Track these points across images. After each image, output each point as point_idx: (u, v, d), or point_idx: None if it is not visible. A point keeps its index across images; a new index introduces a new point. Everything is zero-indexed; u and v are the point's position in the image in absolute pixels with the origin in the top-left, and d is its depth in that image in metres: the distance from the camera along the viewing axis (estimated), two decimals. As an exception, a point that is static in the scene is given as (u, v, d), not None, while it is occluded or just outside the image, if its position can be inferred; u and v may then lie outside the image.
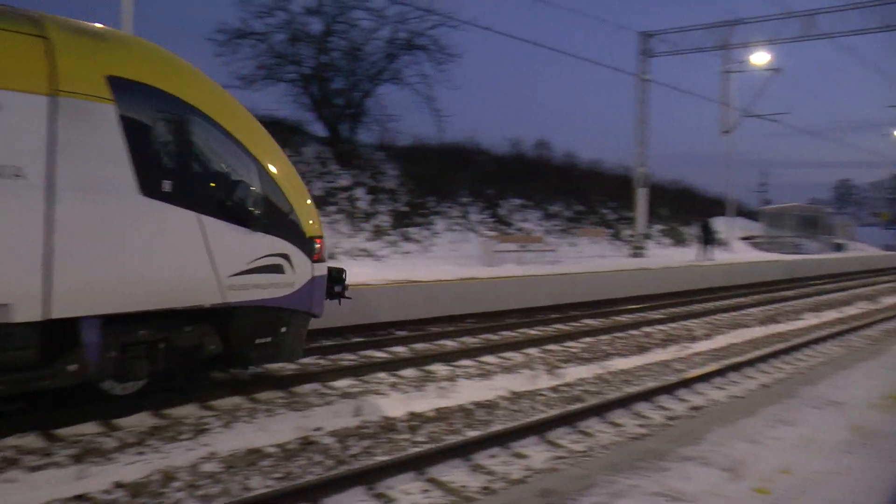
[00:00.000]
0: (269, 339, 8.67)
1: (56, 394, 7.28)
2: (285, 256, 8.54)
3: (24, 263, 6.45)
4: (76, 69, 6.83)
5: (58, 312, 6.70)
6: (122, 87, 7.16)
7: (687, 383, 9.95)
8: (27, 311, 6.46)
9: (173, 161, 7.86)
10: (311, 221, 8.83)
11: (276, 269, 8.45)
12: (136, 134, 7.26)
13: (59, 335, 6.87)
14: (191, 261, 7.76)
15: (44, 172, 6.50)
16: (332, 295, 9.62)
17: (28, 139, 6.43)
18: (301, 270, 8.67)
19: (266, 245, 8.33)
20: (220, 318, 8.21)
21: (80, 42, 7.08)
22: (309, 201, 9.01)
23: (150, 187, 7.29)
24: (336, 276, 9.66)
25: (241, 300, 8.19)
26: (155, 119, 7.61)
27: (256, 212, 8.22)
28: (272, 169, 8.51)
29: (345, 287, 9.82)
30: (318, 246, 8.90)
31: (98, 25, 7.68)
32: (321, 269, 8.99)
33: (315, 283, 8.89)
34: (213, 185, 8.07)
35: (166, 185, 7.52)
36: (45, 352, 6.82)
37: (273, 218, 8.44)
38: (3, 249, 6.30)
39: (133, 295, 7.33)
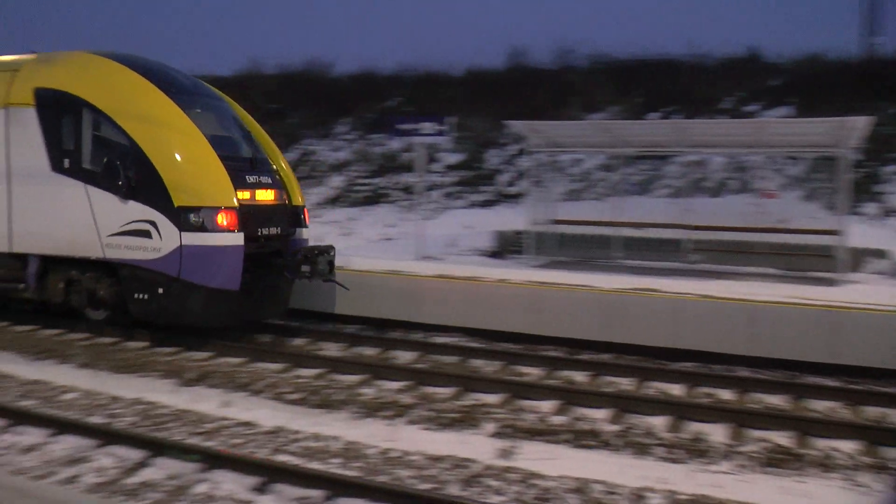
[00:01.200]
0: (146, 297, 10.49)
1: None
2: (152, 224, 10.18)
3: (17, 218, 11.26)
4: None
5: (17, 249, 11.33)
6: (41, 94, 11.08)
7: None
8: (23, 248, 11.34)
9: (71, 144, 10.89)
10: (191, 192, 10.09)
11: (144, 233, 10.24)
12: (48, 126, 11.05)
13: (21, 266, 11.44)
14: (81, 220, 10.67)
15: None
16: (298, 274, 11.11)
17: None
18: (168, 238, 10.09)
19: (135, 212, 10.26)
20: (106, 270, 10.85)
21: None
22: (204, 175, 10.31)
23: (55, 165, 10.90)
24: (306, 255, 11.05)
25: (117, 257, 10.54)
26: (60, 114, 10.99)
27: (127, 184, 10.22)
28: (149, 150, 10.24)
29: (322, 268, 11.15)
30: (196, 213, 10.02)
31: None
32: (208, 238, 10.06)
33: (187, 249, 10.05)
34: (96, 162, 10.61)
35: (66, 163, 10.84)
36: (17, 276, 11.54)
37: (142, 190, 10.22)
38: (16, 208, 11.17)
39: (49, 242, 11.10)
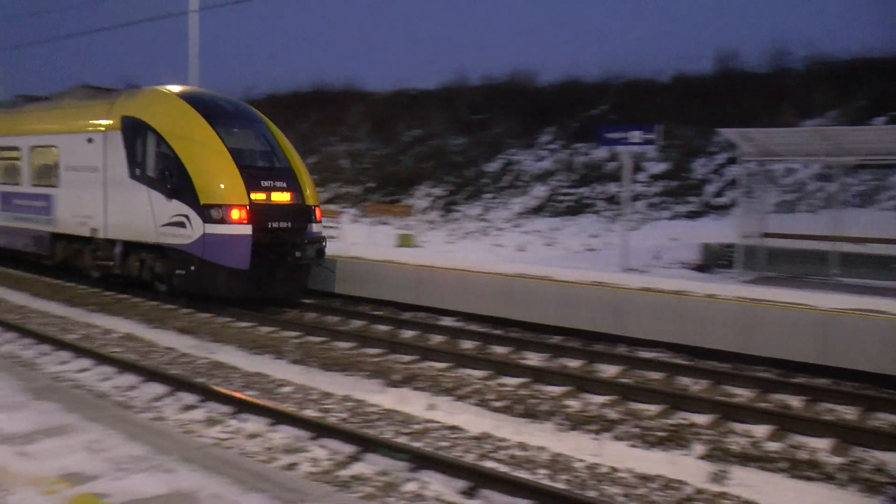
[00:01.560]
0: (183, 273, 13.80)
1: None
2: (186, 217, 13.47)
3: (100, 211, 15.15)
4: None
5: (109, 236, 15.04)
6: (124, 121, 14.70)
7: None
8: (105, 234, 15.05)
9: (146, 157, 14.36)
10: (211, 193, 13.28)
11: (181, 224, 13.55)
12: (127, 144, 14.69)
13: (108, 251, 15.28)
14: (144, 214, 14.15)
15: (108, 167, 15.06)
16: (294, 259, 13.84)
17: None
18: (196, 228, 13.32)
19: (176, 208, 13.63)
20: (160, 252, 14.28)
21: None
22: (223, 180, 13.41)
23: (131, 173, 14.55)
24: (298, 244, 13.90)
25: (165, 242, 13.94)
26: (138, 137, 14.52)
27: (172, 187, 13.61)
28: (186, 162, 13.62)
29: (310, 254, 14.09)
30: (216, 209, 13.15)
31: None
32: (223, 229, 13.14)
33: (208, 237, 13.19)
34: (155, 171, 14.10)
35: (136, 172, 14.47)
36: (106, 258, 15.46)
37: (181, 192, 13.56)
38: (94, 204, 15.25)
39: (127, 231, 14.75)
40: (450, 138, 26.75)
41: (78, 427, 5.39)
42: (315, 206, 14.87)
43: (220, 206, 13.18)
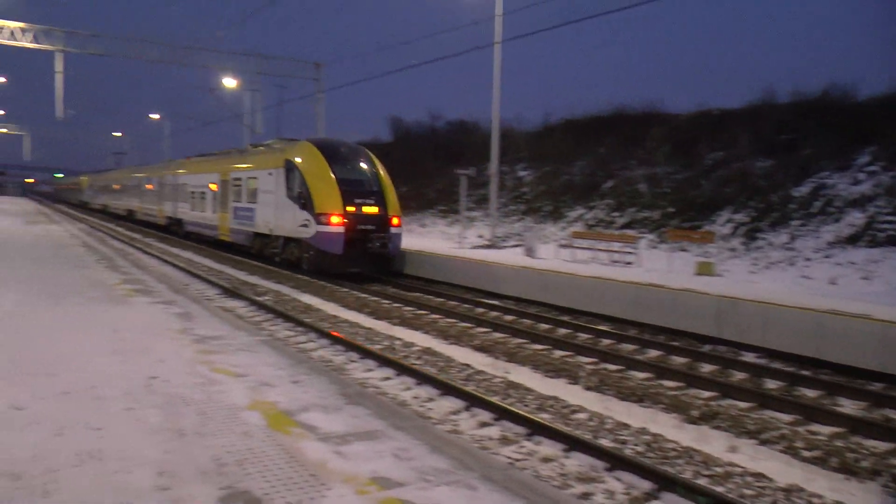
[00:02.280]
0: (307, 255, 21.87)
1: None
2: (308, 220, 21.38)
3: (271, 218, 23.89)
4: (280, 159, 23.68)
5: (275, 233, 23.76)
6: (285, 162, 22.84)
7: None
8: (274, 232, 23.76)
9: (292, 185, 22.44)
10: (322, 207, 21.00)
11: (306, 225, 21.39)
12: (285, 177, 22.89)
13: (276, 242, 24.07)
14: (289, 219, 22.36)
15: (276, 191, 23.54)
16: (369, 248, 21.59)
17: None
18: (313, 226, 21.13)
19: (304, 215, 21.50)
20: (295, 242, 22.51)
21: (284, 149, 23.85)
22: (329, 198, 21.21)
23: (287, 195, 22.63)
24: (376, 238, 21.57)
25: (299, 236, 21.92)
26: (288, 172, 22.62)
27: (303, 203, 21.52)
28: (312, 188, 21.49)
29: (372, 246, 21.54)
30: (324, 216, 20.89)
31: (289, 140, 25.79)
32: (326, 229, 20.87)
33: (318, 233, 21.04)
34: (297, 193, 22.06)
35: (288, 193, 22.65)
36: (272, 246, 24.29)
37: (306, 206, 21.49)
38: (270, 214, 23.96)
39: (284, 230, 22.95)
40: (754, 160, 25.25)
41: (386, 433, 5.69)
42: (393, 216, 22.25)
43: (325, 214, 21.10)
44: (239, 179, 27.54)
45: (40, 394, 6.30)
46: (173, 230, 38.11)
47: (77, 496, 4.35)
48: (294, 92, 72.83)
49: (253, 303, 16.71)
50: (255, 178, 25.75)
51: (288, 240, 23.27)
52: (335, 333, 13.30)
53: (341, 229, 20.94)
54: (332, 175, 21.70)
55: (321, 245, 21.12)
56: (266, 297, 17.99)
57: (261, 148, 27.71)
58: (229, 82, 42.76)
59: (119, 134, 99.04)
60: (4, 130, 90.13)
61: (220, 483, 4.58)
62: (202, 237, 32.90)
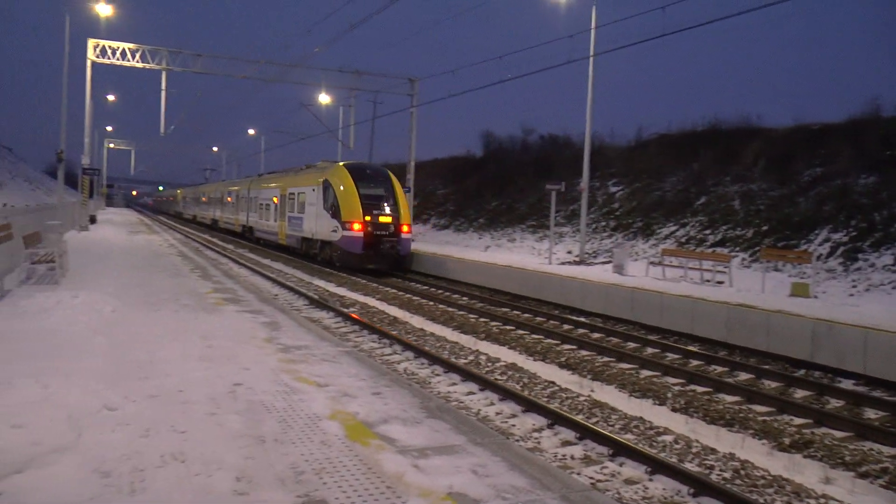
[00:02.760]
0: (336, 254, 28.40)
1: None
2: (337, 227, 27.89)
3: (313, 225, 30.80)
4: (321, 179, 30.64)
5: (316, 238, 30.65)
6: (323, 181, 29.80)
7: None
8: (315, 236, 30.65)
9: (327, 199, 29.09)
10: (347, 216, 27.23)
11: (335, 231, 28.02)
12: (323, 193, 29.76)
13: (316, 245, 30.91)
14: (325, 226, 29.12)
15: (317, 203, 30.48)
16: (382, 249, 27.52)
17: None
18: (340, 232, 27.52)
19: (334, 223, 28.13)
20: (328, 244, 29.02)
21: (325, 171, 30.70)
22: (352, 210, 27.42)
23: (323, 207, 29.47)
24: (388, 241, 27.47)
25: (330, 239, 28.56)
26: (325, 189, 29.42)
27: (334, 213, 28.25)
28: (341, 201, 27.99)
29: (383, 248, 27.31)
30: (348, 224, 27.10)
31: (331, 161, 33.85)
32: (349, 233, 27.01)
33: (343, 237, 27.29)
34: (330, 205, 28.70)
35: (324, 206, 29.37)
36: (314, 248, 31.12)
37: (336, 215, 28.13)
38: (313, 222, 30.70)
39: (321, 235, 29.71)
40: (856, 177, 24.24)
41: (465, 449, 5.64)
42: (404, 224, 28.07)
43: (349, 221, 27.20)
44: (293, 194, 34.22)
45: (132, 396, 6.51)
46: (247, 236, 45.54)
47: (160, 496, 4.47)
48: (388, 107, 73.94)
49: (339, 314, 16.94)
50: (303, 193, 32.54)
51: (324, 242, 29.58)
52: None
53: (360, 234, 27.08)
54: (357, 191, 27.87)
55: (345, 246, 27.47)
56: (352, 309, 18.22)
57: (310, 169, 34.74)
58: (324, 98, 43.74)
59: (216, 149, 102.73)
60: (112, 145, 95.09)
61: (297, 491, 4.62)
62: (267, 242, 39.92)
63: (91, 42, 36.11)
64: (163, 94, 38.89)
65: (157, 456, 5.11)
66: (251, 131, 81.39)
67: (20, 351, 8.02)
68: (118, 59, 36.28)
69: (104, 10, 34.60)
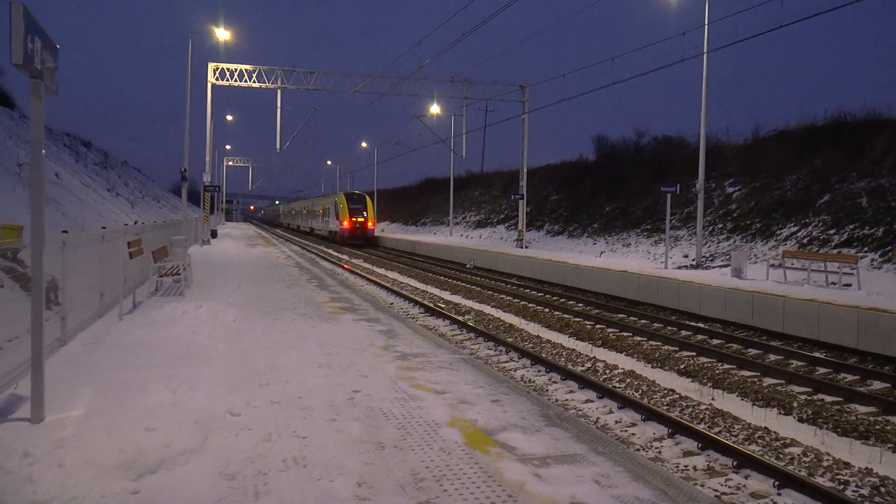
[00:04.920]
0: (338, 236, 60.31)
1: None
2: (338, 223, 60.04)
3: (330, 223, 65.63)
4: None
5: (330, 229, 67.03)
6: (334, 202, 62.91)
7: None
8: (331, 228, 64.72)
9: (335, 209, 62.01)
10: (342, 218, 58.71)
11: (336, 224, 61.20)
12: (334, 207, 63.60)
13: (331, 233, 65.39)
14: (334, 223, 62.44)
15: (331, 212, 64.61)
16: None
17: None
18: (337, 225, 60.17)
19: (337, 222, 60.72)
20: (335, 232, 62.21)
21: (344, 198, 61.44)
22: (344, 215, 58.70)
23: (334, 214, 62.63)
24: (361, 230, 58.43)
25: (335, 230, 62.09)
26: (335, 206, 62.55)
27: (334, 218, 62.35)
28: (339, 211, 59.39)
29: (359, 234, 58.30)
30: (342, 221, 58.28)
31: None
32: (343, 227, 57.96)
33: (341, 228, 58.72)
34: (335, 212, 61.62)
35: (334, 213, 62.16)
36: (332, 234, 64.49)
37: (334, 218, 62.78)
38: (331, 221, 64.84)
39: (332, 227, 64.53)
40: None
41: (586, 458, 5.51)
42: (369, 221, 57.43)
43: (342, 220, 56.91)
44: (327, 208, 65.48)
45: (254, 402, 6.69)
46: (310, 235, 77.62)
47: (283, 500, 4.55)
48: (499, 115, 74.89)
49: (454, 321, 17.00)
50: (328, 207, 63.88)
51: (333, 231, 59.64)
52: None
53: (347, 226, 55.73)
54: (347, 206, 56.48)
55: (342, 233, 56.36)
56: (468, 317, 18.26)
57: (329, 196, 69.58)
58: (435, 109, 44.27)
59: (329, 163, 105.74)
60: (231, 163, 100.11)
61: (417, 498, 4.62)
62: (318, 235, 71.71)
63: (211, 66, 37.79)
64: (278, 111, 40.27)
65: (280, 460, 5.22)
66: (364, 144, 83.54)
67: (152, 358, 8.39)
68: (236, 81, 37.81)
69: (223, 35, 36.05)
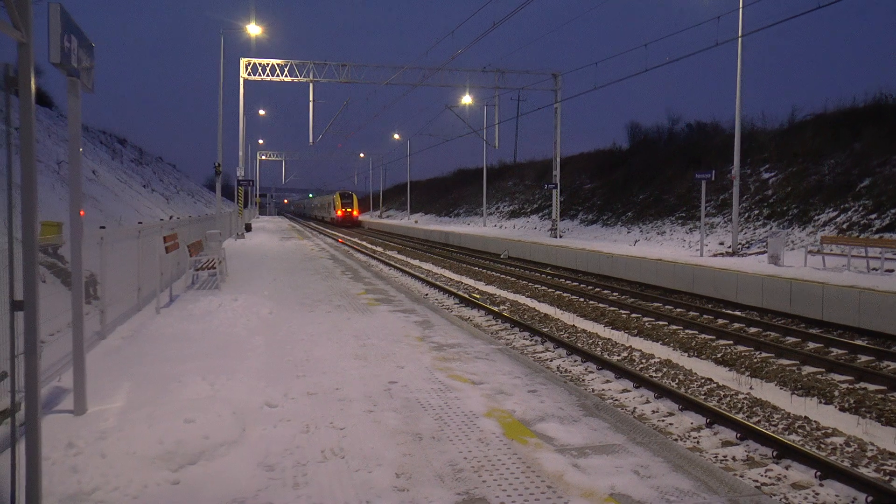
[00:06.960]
0: (331, 221, 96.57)
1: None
2: (334, 212, 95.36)
3: (329, 212, 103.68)
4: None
5: (329, 217, 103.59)
6: (332, 198, 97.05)
7: None
8: (329, 216, 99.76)
9: (331, 203, 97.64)
10: (336, 208, 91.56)
11: (333, 213, 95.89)
12: (332, 201, 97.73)
13: (330, 220, 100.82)
14: (331, 212, 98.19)
15: (332, 204, 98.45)
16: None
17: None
18: (333, 214, 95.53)
19: (333, 212, 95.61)
20: (332, 218, 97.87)
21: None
22: (338, 206, 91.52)
23: (331, 206, 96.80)
24: (350, 217, 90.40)
25: (332, 217, 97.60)
26: (332, 201, 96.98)
27: (333, 208, 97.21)
28: (336, 204, 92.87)
29: (348, 221, 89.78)
30: (336, 211, 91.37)
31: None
32: (336, 215, 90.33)
33: (334, 216, 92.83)
34: (333, 206, 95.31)
35: (331, 206, 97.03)
36: (330, 220, 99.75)
37: (333, 209, 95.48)
38: (332, 210, 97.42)
39: (331, 215, 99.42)
40: None
41: (625, 448, 5.47)
42: (354, 210, 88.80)
43: (335, 210, 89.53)
44: (330, 203, 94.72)
45: (291, 393, 6.73)
46: (321, 221, 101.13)
47: (322, 490, 4.57)
48: (531, 104, 74.63)
49: (489, 312, 16.98)
50: (330, 202, 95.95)
51: (333, 218, 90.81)
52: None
53: (339, 214, 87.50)
54: (340, 201, 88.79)
55: (334, 218, 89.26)
56: (503, 307, 18.23)
57: (329, 193, 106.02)
58: (466, 99, 44.19)
59: (363, 155, 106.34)
60: (264, 157, 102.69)
61: (456, 489, 4.61)
62: (325, 221, 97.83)
63: (243, 61, 38.04)
64: (310, 104, 40.45)
65: (318, 451, 5.25)
66: (396, 136, 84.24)
67: (190, 351, 8.48)
68: (268, 76, 38.04)
69: (255, 30, 36.28)
